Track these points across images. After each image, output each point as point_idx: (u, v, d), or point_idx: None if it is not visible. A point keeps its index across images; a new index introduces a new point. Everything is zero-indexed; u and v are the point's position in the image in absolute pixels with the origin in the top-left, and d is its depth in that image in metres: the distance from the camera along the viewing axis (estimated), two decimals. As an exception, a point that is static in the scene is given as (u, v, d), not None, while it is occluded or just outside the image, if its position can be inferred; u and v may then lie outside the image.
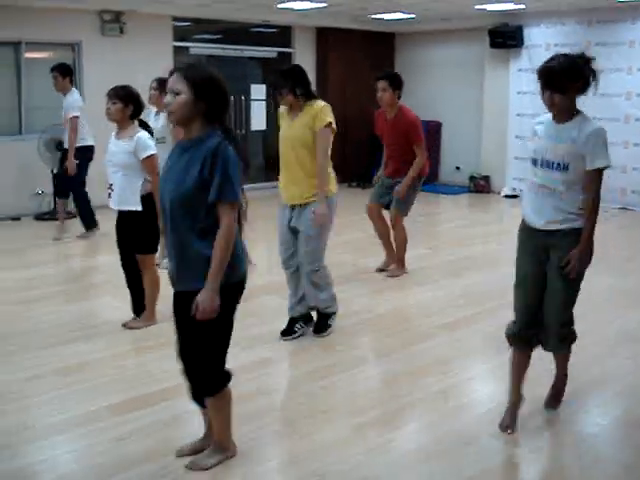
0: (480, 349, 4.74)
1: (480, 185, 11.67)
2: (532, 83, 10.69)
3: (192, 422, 3.54)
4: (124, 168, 4.72)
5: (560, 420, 3.67)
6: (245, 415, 3.63)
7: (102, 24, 9.59)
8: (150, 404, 3.78)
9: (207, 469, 3.14)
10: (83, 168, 7.79)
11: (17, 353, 4.55)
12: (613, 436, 3.61)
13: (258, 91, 11.82)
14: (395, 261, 6.56)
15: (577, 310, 3.58)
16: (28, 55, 9.22)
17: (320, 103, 4.62)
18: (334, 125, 4.59)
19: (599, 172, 3.30)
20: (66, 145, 7.88)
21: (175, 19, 10.41)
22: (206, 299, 2.81)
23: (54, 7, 8.96)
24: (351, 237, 7.78)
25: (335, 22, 11.48)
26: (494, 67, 11.37)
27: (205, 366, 3.02)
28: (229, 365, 3.09)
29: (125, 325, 5.01)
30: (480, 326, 5.13)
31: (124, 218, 4.86)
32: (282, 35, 11.84)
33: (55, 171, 8.27)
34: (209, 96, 2.96)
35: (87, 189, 7.97)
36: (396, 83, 6.20)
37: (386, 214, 6.54)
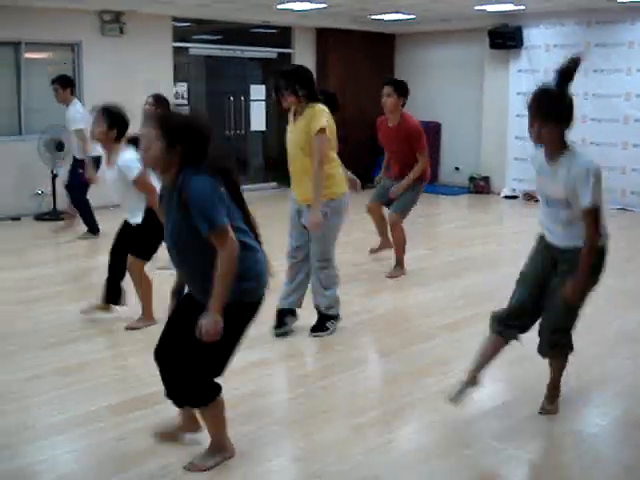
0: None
1: (480, 186, 11.68)
2: (532, 84, 10.77)
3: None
4: (123, 192, 4.75)
5: (560, 420, 3.67)
6: (245, 415, 3.63)
7: (102, 24, 9.60)
8: (150, 404, 3.78)
9: (206, 470, 3.14)
10: (84, 177, 7.76)
11: (17, 353, 4.55)
12: (613, 436, 3.61)
13: (258, 92, 11.83)
14: (389, 245, 6.62)
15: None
16: (28, 55, 9.23)
17: (318, 107, 4.59)
18: (327, 130, 4.54)
19: (589, 211, 3.29)
20: (76, 155, 7.85)
21: (175, 19, 10.42)
22: (209, 323, 2.81)
23: (54, 7, 8.97)
24: (351, 237, 7.77)
25: (335, 23, 11.48)
26: (494, 68, 11.38)
27: (195, 377, 3.00)
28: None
29: (126, 326, 5.01)
30: (480, 327, 5.10)
31: (128, 223, 4.95)
32: (282, 36, 11.84)
33: (65, 182, 8.17)
34: (184, 142, 2.84)
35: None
36: (401, 90, 6.17)
37: (386, 213, 6.55)
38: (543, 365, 3.85)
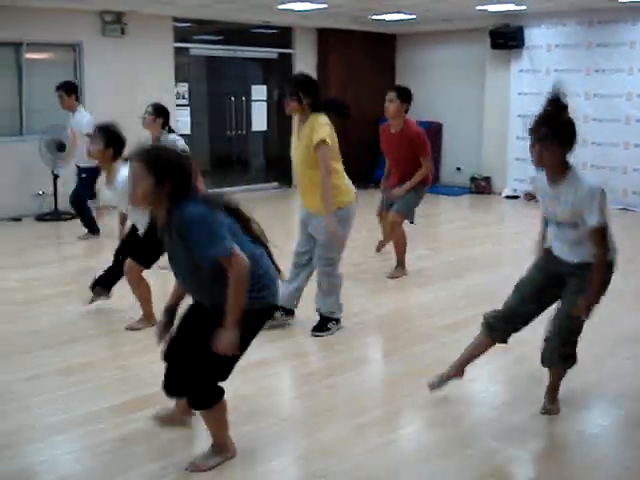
0: (481, 350, 4.73)
1: (481, 186, 11.67)
2: (533, 84, 10.83)
3: (194, 421, 3.53)
4: (126, 206, 4.77)
5: (561, 420, 3.67)
6: (246, 415, 3.63)
7: (103, 25, 9.60)
8: (151, 405, 3.77)
9: (207, 470, 3.14)
10: (91, 187, 7.75)
11: (18, 353, 4.55)
12: (614, 437, 3.61)
13: (259, 92, 11.84)
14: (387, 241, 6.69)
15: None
16: (29, 56, 9.22)
17: (320, 118, 4.58)
18: (328, 140, 4.53)
19: (596, 230, 3.34)
20: (80, 164, 7.82)
21: (176, 20, 10.41)
22: (227, 339, 2.84)
23: (55, 8, 8.97)
24: (351, 237, 7.77)
25: (336, 23, 11.48)
26: (495, 68, 11.37)
27: (200, 381, 3.02)
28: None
29: (127, 327, 5.01)
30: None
31: (136, 228, 4.98)
32: (283, 36, 11.84)
33: (72, 198, 8.12)
34: (172, 177, 2.84)
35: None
36: (404, 96, 6.14)
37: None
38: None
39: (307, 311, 5.08)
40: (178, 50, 10.58)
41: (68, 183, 8.32)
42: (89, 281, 5.74)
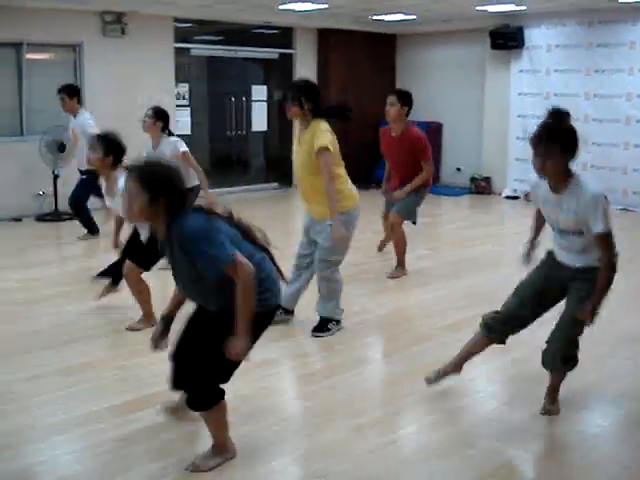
0: (481, 350, 4.74)
1: (481, 186, 11.67)
2: (533, 84, 10.83)
3: (195, 421, 3.53)
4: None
5: (561, 421, 3.67)
6: (246, 416, 3.63)
7: (103, 25, 9.60)
8: (151, 405, 3.78)
9: (207, 471, 3.14)
10: (90, 189, 7.75)
11: (18, 353, 4.56)
12: (614, 437, 3.61)
13: (259, 92, 11.84)
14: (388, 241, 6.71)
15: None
16: (29, 56, 9.22)
17: (321, 124, 4.59)
18: (330, 147, 4.54)
19: (602, 236, 3.37)
20: (82, 167, 7.82)
21: (176, 20, 10.41)
22: (238, 345, 2.89)
23: (55, 8, 8.97)
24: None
25: (336, 23, 11.48)
26: (495, 68, 11.38)
27: (202, 383, 3.04)
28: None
29: (127, 327, 5.01)
30: (481, 327, 5.12)
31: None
32: (283, 36, 11.84)
33: (70, 200, 8.09)
34: (167, 193, 2.85)
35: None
36: (405, 100, 6.14)
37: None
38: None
39: (307, 311, 5.08)
40: (178, 50, 10.58)
41: (68, 183, 8.32)
42: (89, 281, 5.75)
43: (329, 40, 11.87)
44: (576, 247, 3.50)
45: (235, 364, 3.05)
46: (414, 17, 10.99)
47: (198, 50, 11.22)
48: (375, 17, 11.06)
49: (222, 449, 3.21)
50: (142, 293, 4.97)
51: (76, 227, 8.22)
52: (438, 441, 3.46)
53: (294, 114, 4.65)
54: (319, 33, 11.97)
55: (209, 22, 10.82)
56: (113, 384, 4.10)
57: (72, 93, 7.90)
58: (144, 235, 4.84)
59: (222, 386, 3.09)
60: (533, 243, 3.91)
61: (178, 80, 10.62)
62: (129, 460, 3.24)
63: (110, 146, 4.70)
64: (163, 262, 3.59)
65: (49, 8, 8.92)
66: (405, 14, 10.74)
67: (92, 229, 8.01)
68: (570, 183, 3.40)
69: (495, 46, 11.05)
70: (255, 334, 3.04)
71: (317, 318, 4.95)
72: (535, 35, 10.80)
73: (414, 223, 6.56)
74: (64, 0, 8.84)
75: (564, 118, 3.39)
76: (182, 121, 10.51)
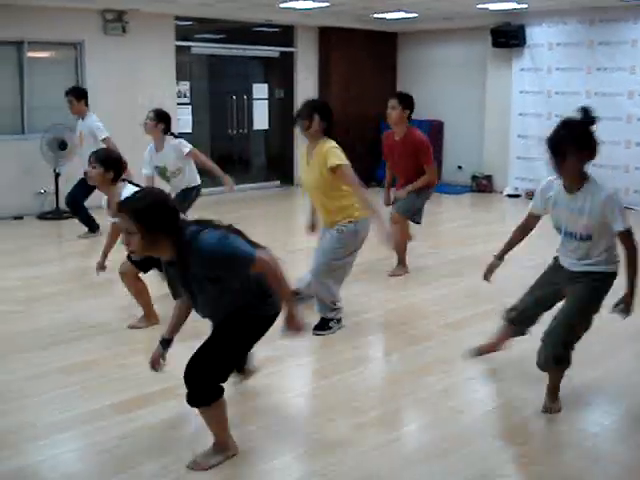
0: (482, 348, 4.74)
1: (482, 184, 11.67)
2: (534, 82, 10.82)
3: (195, 421, 3.54)
4: None
5: (562, 419, 3.67)
6: (247, 414, 3.63)
7: (105, 23, 9.60)
8: (152, 403, 3.79)
9: (208, 469, 3.14)
10: (88, 190, 7.74)
11: (19, 352, 4.56)
12: (615, 436, 3.60)
13: (260, 90, 11.83)
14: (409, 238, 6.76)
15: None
16: (30, 54, 9.22)
17: (329, 143, 4.67)
18: (345, 162, 4.63)
19: (624, 233, 3.41)
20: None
21: (177, 18, 10.41)
22: (295, 322, 3.12)
23: (56, 6, 8.97)
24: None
25: (337, 21, 11.47)
26: (496, 66, 11.36)
27: (202, 380, 3.06)
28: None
29: (129, 325, 5.01)
30: (482, 326, 5.12)
31: None
32: (284, 34, 11.83)
33: (68, 199, 8.11)
34: (160, 225, 2.88)
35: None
36: (406, 102, 6.13)
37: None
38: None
39: (308, 310, 5.08)
40: (179, 49, 10.58)
41: (69, 181, 8.32)
42: (91, 280, 5.75)
43: (330, 38, 11.86)
44: (580, 252, 3.54)
45: (233, 363, 3.12)
46: (415, 15, 10.98)
47: (199, 48, 11.21)
48: (376, 15, 11.05)
49: (223, 447, 3.21)
50: (142, 295, 4.97)
51: (77, 225, 8.23)
52: (438, 439, 3.46)
53: (306, 131, 4.72)
54: (320, 31, 11.96)
55: (210, 20, 10.81)
56: (114, 382, 4.10)
57: (80, 96, 7.90)
58: None
59: (222, 386, 3.10)
60: (501, 258, 3.91)
61: (179, 78, 10.61)
62: (130, 458, 3.25)
63: (110, 162, 4.71)
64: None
65: (50, 6, 8.92)
66: (406, 12, 10.73)
67: (92, 227, 8.01)
68: (585, 184, 3.42)
69: (496, 44, 11.03)
70: (255, 336, 3.18)
71: (318, 317, 4.95)
72: (536, 33, 10.79)
73: (418, 223, 6.56)
74: (65, -2, 8.86)
75: (587, 119, 3.40)
76: (183, 119, 10.51)
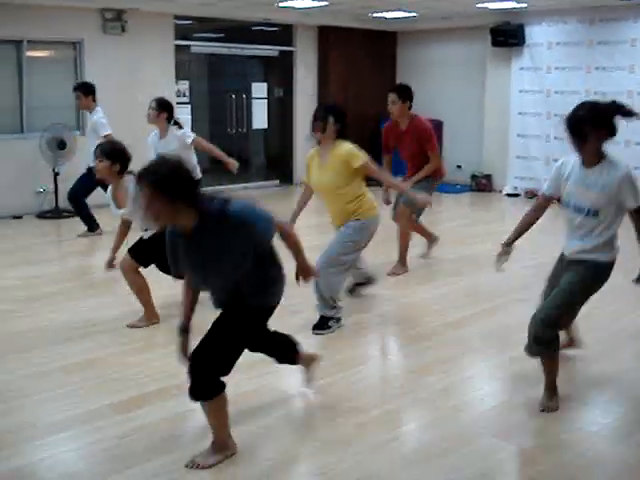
0: (481, 348, 4.74)
1: (482, 184, 11.67)
2: (534, 82, 10.81)
3: (194, 420, 3.54)
4: (140, 218, 4.78)
5: (561, 418, 3.67)
6: (246, 413, 3.63)
7: (104, 22, 9.59)
8: (152, 402, 3.79)
9: (208, 468, 3.14)
10: (92, 185, 7.74)
11: (18, 351, 4.56)
12: (614, 435, 3.60)
13: (259, 89, 11.83)
14: (434, 239, 6.95)
15: (583, 307, 3.69)
16: (30, 53, 9.21)
17: (346, 145, 4.80)
18: (367, 158, 4.82)
19: (637, 211, 3.49)
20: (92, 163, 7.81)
21: (177, 17, 10.40)
22: (308, 270, 3.44)
23: (56, 5, 8.96)
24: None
25: (336, 20, 11.47)
26: (496, 66, 11.36)
27: (204, 372, 3.07)
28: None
29: (128, 324, 5.01)
30: (481, 325, 5.13)
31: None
32: (283, 33, 11.83)
33: (70, 194, 8.10)
34: (180, 189, 2.88)
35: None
36: (405, 95, 6.21)
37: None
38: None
39: (307, 310, 5.08)
40: (179, 48, 10.57)
41: (69, 181, 8.32)
42: (90, 279, 5.75)
43: (329, 37, 11.86)
44: (585, 229, 3.56)
45: (235, 356, 3.13)
46: (414, 14, 10.98)
47: (198, 47, 11.21)
48: (375, 14, 11.05)
49: (222, 446, 3.21)
50: (142, 291, 4.97)
51: (76, 224, 8.23)
52: (438, 439, 3.46)
53: (320, 134, 4.79)
54: (319, 30, 11.96)
55: (209, 19, 10.81)
56: (114, 382, 4.10)
57: (87, 91, 7.92)
58: (147, 234, 4.85)
59: (224, 381, 3.11)
60: (510, 245, 3.92)
61: (178, 77, 10.60)
62: (130, 457, 3.24)
63: (116, 154, 4.72)
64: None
65: (49, 5, 8.91)
66: (405, 11, 10.73)
67: (92, 226, 8.00)
68: (602, 161, 3.51)
69: (496, 43, 11.03)
70: (257, 327, 3.27)
71: (317, 316, 4.95)
72: (536, 32, 10.79)
73: (418, 217, 6.61)
74: (64, -3, 8.85)
75: (609, 105, 3.52)
76: (182, 118, 10.42)
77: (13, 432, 3.48)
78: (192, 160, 6.53)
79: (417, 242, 7.10)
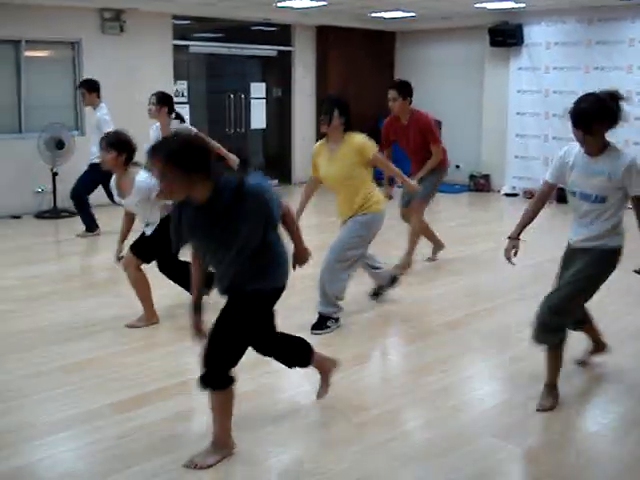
0: (481, 347, 4.74)
1: (480, 184, 11.67)
2: (532, 82, 10.82)
3: (194, 419, 3.54)
4: (143, 211, 4.81)
5: (560, 418, 3.67)
6: (245, 413, 3.62)
7: (102, 22, 9.58)
8: (152, 402, 3.78)
9: (206, 468, 3.14)
10: (93, 183, 7.74)
11: (18, 351, 4.55)
12: (614, 434, 3.60)
13: (258, 89, 11.82)
14: (441, 244, 6.96)
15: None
16: (28, 53, 9.20)
17: (358, 136, 4.86)
18: (376, 150, 4.91)
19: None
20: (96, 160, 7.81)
21: (175, 17, 10.40)
22: (304, 254, 3.48)
23: (54, 5, 8.95)
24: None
25: (335, 20, 11.47)
26: (494, 65, 11.37)
27: (216, 359, 3.08)
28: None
29: (127, 324, 5.00)
30: (480, 325, 5.13)
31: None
32: (282, 33, 11.83)
33: (72, 193, 8.06)
34: (194, 162, 2.87)
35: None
36: (405, 91, 6.25)
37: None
38: (543, 363, 3.85)
39: (306, 310, 5.08)
40: (177, 48, 10.57)
41: (67, 181, 8.31)
42: (89, 279, 5.75)
43: (328, 37, 11.86)
44: (591, 216, 3.58)
45: (246, 346, 3.16)
46: (413, 14, 10.98)
47: (197, 47, 11.20)
48: (374, 14, 11.05)
49: (222, 445, 3.21)
50: (142, 287, 4.96)
51: (75, 224, 8.23)
52: (437, 438, 3.46)
53: (333, 127, 4.81)
54: (318, 30, 11.96)
55: (208, 19, 10.81)
56: (113, 381, 4.10)
57: (91, 88, 7.94)
58: (149, 230, 4.85)
59: (234, 376, 3.13)
60: (518, 237, 3.92)
61: (177, 77, 10.60)
62: (129, 457, 3.24)
63: (121, 145, 4.73)
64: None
65: (48, 5, 8.90)
66: (404, 11, 10.73)
67: (91, 226, 8.00)
68: (605, 150, 3.55)
69: (494, 43, 11.04)
70: (266, 312, 3.28)
71: (316, 316, 4.95)
72: (534, 32, 10.80)
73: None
74: (63, -3, 8.84)
75: (609, 95, 3.58)
76: (181, 118, 10.48)
77: (12, 432, 3.48)
78: None
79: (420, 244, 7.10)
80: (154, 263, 5.01)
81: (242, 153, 12.46)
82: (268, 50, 11.87)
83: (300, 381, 4.11)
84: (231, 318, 3.12)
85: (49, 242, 8.10)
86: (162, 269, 5.05)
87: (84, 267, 7.10)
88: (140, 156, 4.66)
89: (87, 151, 7.97)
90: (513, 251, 3.84)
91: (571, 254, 3.72)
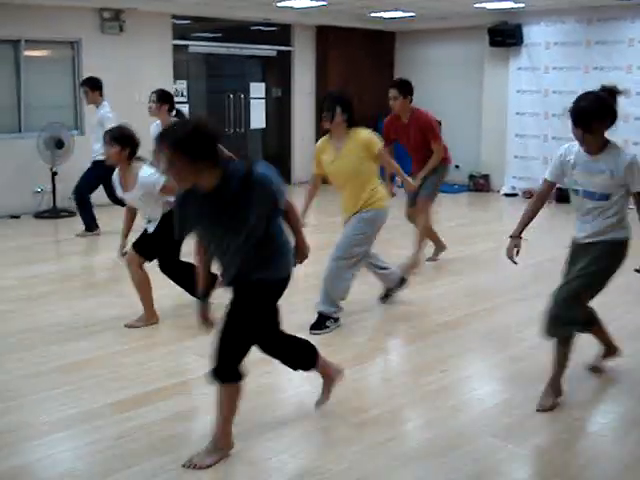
0: (480, 347, 4.74)
1: (480, 184, 11.68)
2: (532, 82, 10.81)
3: (193, 419, 3.54)
4: (145, 206, 4.82)
5: (560, 418, 3.67)
6: (245, 412, 3.61)
7: (102, 22, 9.58)
8: (151, 402, 3.78)
9: (205, 467, 3.14)
10: (97, 181, 7.74)
11: (17, 351, 4.55)
12: (613, 435, 3.60)
13: (257, 89, 11.82)
14: (443, 245, 6.96)
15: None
16: (27, 53, 9.20)
17: (365, 131, 4.87)
18: (381, 146, 4.94)
19: None
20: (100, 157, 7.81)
21: (175, 17, 10.40)
22: (305, 250, 3.47)
23: (54, 5, 8.95)
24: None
25: (335, 20, 11.47)
26: (493, 65, 11.37)
27: (227, 351, 3.09)
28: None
29: (126, 324, 5.00)
30: (480, 325, 5.13)
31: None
32: (282, 33, 11.83)
33: (74, 192, 8.07)
34: (201, 149, 2.87)
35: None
36: (406, 89, 6.26)
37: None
38: (543, 363, 3.85)
39: (305, 310, 5.08)
40: (177, 47, 10.57)
41: (67, 181, 8.31)
42: (88, 279, 5.74)
43: (328, 37, 11.86)
44: (595, 213, 3.59)
45: (255, 337, 3.20)
46: (413, 14, 10.99)
47: (196, 47, 11.19)
48: (374, 14, 11.05)
49: (222, 443, 3.21)
50: (143, 285, 4.95)
51: (74, 224, 8.22)
52: (436, 438, 3.46)
53: (333, 123, 4.80)
54: (317, 30, 11.96)
55: (207, 19, 10.80)
56: (112, 381, 4.09)
57: (94, 86, 7.95)
58: (151, 227, 4.84)
59: (243, 372, 3.15)
60: (519, 236, 3.91)
61: (176, 77, 10.60)
62: (128, 457, 3.24)
63: (125, 139, 4.74)
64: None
65: (47, 5, 8.90)
66: (403, 11, 10.73)
67: (91, 226, 7.99)
68: (606, 148, 3.58)
69: (493, 43, 11.04)
70: (276, 300, 3.27)
71: (315, 316, 4.95)
72: (534, 32, 10.80)
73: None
74: (62, -3, 8.84)
75: (608, 93, 3.68)
76: (180, 118, 10.49)
77: (12, 432, 3.47)
78: None
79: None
80: (155, 263, 5.01)
81: (241, 153, 12.48)
82: (268, 50, 11.86)
83: (300, 381, 4.11)
84: (239, 310, 3.12)
85: (48, 242, 8.09)
86: (163, 269, 5.04)
87: (84, 267, 7.09)
88: (143, 152, 4.71)
89: (87, 150, 7.98)
90: (515, 250, 3.84)
91: (578, 250, 3.72)
